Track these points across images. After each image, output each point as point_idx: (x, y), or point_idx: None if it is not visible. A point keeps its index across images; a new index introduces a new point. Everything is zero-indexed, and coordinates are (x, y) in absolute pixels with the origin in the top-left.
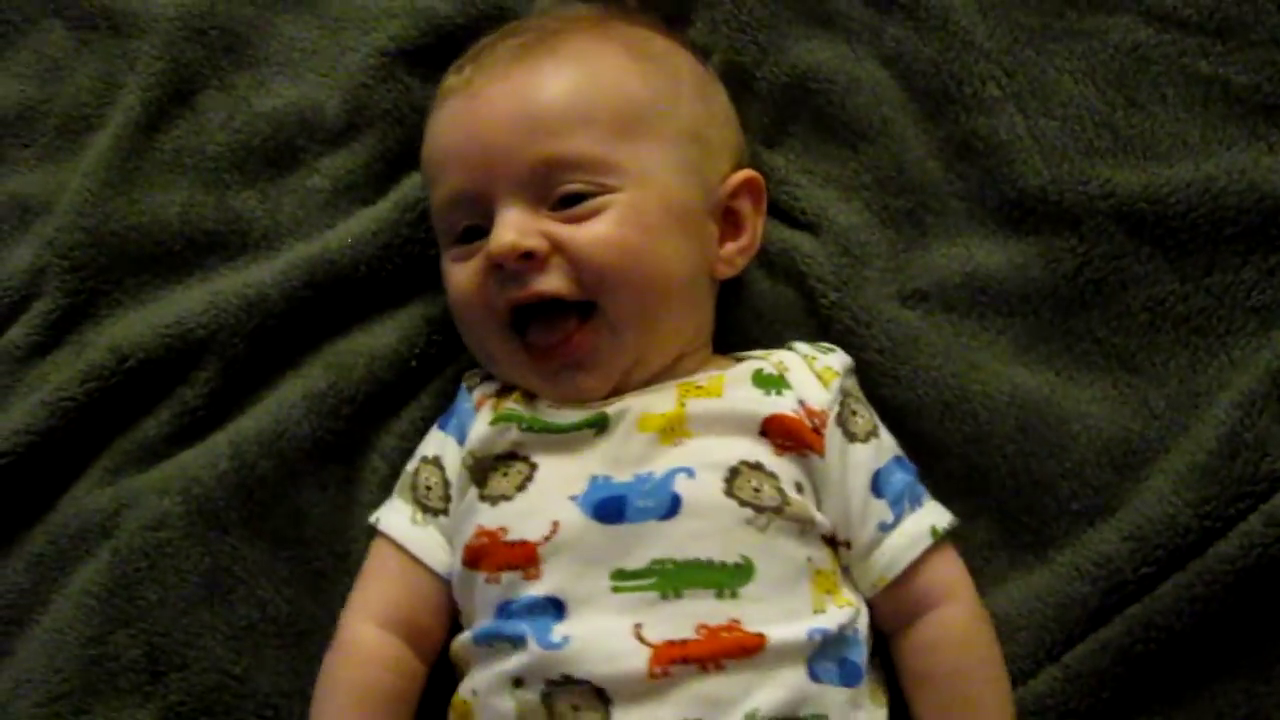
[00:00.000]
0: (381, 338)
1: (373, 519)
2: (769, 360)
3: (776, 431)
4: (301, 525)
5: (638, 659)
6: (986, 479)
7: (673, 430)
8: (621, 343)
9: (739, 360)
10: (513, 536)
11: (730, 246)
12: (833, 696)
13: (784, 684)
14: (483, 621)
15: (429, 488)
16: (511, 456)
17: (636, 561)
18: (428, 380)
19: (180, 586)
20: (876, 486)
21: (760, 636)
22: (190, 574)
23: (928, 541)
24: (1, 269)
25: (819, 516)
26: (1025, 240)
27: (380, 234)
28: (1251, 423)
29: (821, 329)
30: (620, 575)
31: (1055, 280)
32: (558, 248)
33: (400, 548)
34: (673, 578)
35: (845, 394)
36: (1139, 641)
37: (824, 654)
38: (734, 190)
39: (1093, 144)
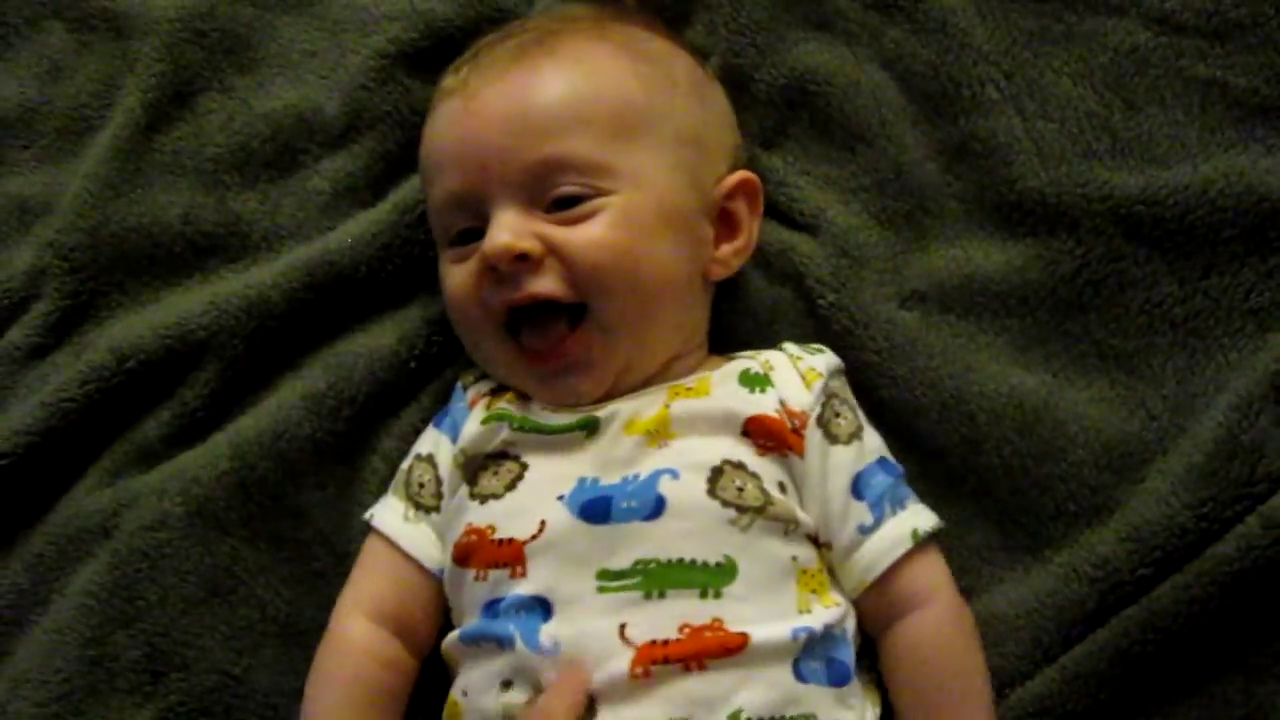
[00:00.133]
0: (381, 339)
1: (367, 515)
2: (757, 360)
3: (757, 432)
4: (301, 526)
5: (621, 660)
6: (984, 480)
7: (658, 432)
8: (614, 346)
9: (730, 360)
10: (501, 535)
11: (726, 248)
12: (820, 696)
13: (769, 684)
14: (471, 620)
15: (422, 485)
16: (502, 456)
17: (621, 561)
18: (427, 381)
19: (180, 587)
20: (857, 489)
21: (743, 636)
22: (190, 575)
23: (908, 545)
24: (1, 270)
25: (802, 516)
26: (1023, 242)
27: (380, 236)
28: (1249, 425)
29: (819, 330)
30: (605, 575)
31: (1053, 282)
32: (552, 250)
33: (392, 544)
34: (656, 578)
35: (830, 395)
36: (1136, 643)
37: (810, 654)
38: (730, 191)
39: (1091, 146)
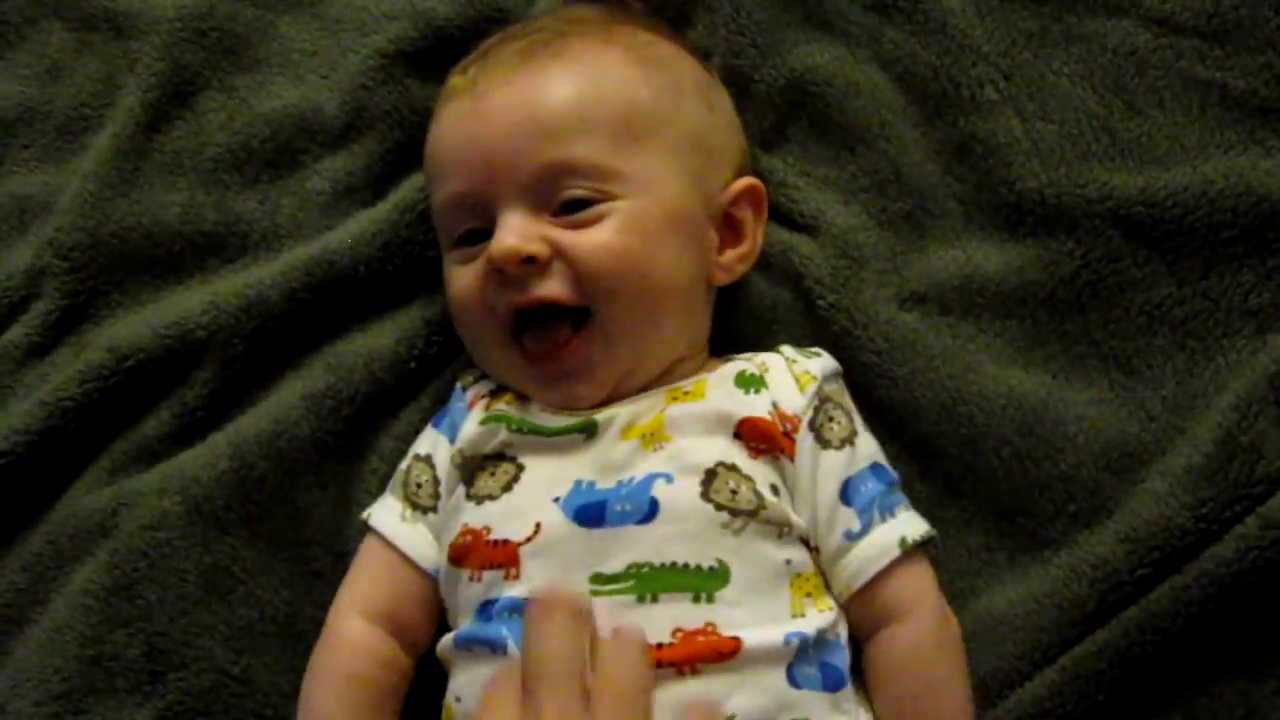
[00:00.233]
0: (381, 339)
1: (364, 515)
2: (754, 362)
3: (750, 434)
4: (300, 526)
5: None
6: (983, 481)
7: (653, 435)
8: (615, 351)
9: (728, 362)
10: (496, 536)
11: (730, 254)
12: (814, 702)
13: (762, 689)
14: (465, 622)
15: (419, 485)
16: (500, 457)
17: (614, 565)
18: (427, 382)
19: (179, 586)
20: (846, 494)
21: (735, 640)
22: (189, 574)
23: (895, 553)
24: (1, 269)
25: (795, 518)
26: (1023, 243)
27: (380, 235)
28: (1248, 425)
29: (819, 330)
30: (599, 579)
31: (1052, 283)
32: (559, 254)
33: (389, 544)
34: (649, 581)
35: (824, 399)
36: (1135, 643)
37: (804, 659)
38: (735, 197)
39: (1090, 147)
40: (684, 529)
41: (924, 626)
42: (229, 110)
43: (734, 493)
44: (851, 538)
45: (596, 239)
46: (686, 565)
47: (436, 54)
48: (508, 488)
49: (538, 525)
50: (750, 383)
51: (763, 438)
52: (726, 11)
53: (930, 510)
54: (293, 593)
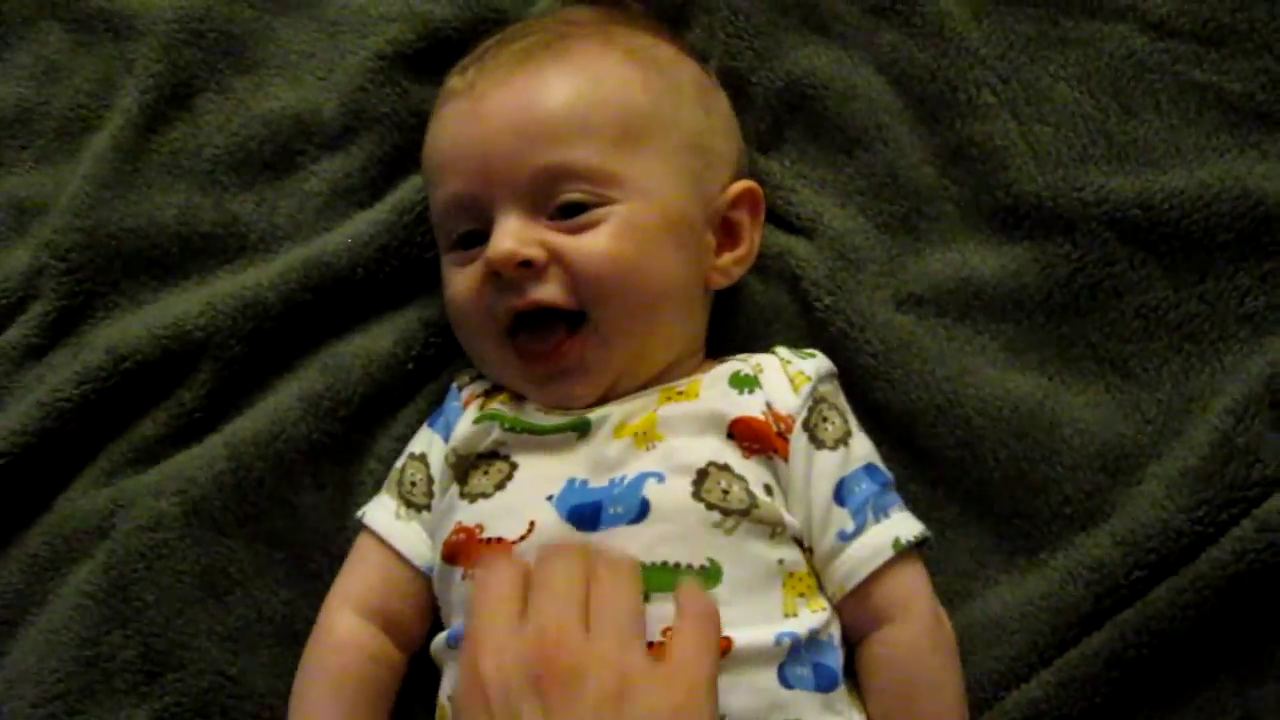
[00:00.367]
0: (378, 340)
1: (359, 513)
2: (748, 363)
3: (743, 434)
4: (298, 527)
5: None
6: (979, 483)
7: (646, 434)
8: (610, 353)
9: (723, 363)
10: (489, 534)
11: (727, 257)
12: (806, 702)
13: (754, 689)
14: (458, 620)
15: (414, 484)
16: (493, 455)
17: None
18: (424, 383)
19: (176, 587)
20: (839, 495)
21: (726, 640)
22: (186, 575)
23: (888, 554)
24: None
25: (788, 518)
26: (1019, 246)
27: (377, 237)
28: (1244, 428)
29: (815, 332)
30: None
31: (1049, 286)
32: (556, 258)
33: (383, 541)
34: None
35: (818, 400)
36: (1131, 646)
37: (797, 659)
38: (733, 201)
39: (1087, 150)
40: (675, 528)
41: (917, 628)
42: (227, 111)
43: (725, 492)
44: (845, 538)
45: (594, 245)
46: (678, 564)
47: (434, 55)
48: (501, 486)
49: (531, 524)
50: (744, 383)
51: (756, 437)
52: (724, 14)
53: (926, 512)
54: (290, 594)
